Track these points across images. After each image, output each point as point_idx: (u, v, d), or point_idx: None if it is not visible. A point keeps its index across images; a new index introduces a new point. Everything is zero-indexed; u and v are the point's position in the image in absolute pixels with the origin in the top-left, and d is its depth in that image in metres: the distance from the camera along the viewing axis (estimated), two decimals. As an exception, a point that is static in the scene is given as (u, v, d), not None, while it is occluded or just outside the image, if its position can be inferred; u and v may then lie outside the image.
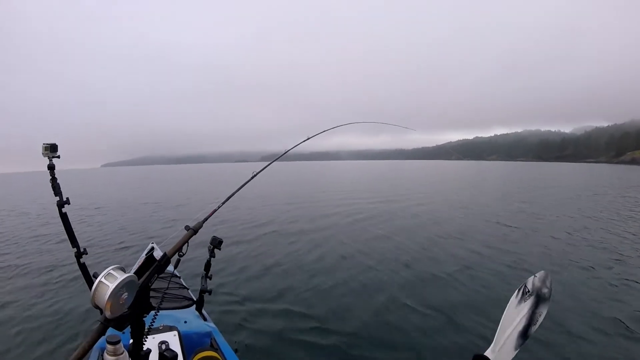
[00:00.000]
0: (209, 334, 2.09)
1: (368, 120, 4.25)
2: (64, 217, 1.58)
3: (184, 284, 2.95)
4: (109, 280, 0.98)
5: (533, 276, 1.52)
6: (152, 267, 1.23)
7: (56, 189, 1.53)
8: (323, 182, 26.11)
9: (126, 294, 1.03)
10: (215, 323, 2.38)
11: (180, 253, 1.48)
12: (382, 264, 5.33)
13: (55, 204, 1.55)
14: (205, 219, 1.70)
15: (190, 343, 1.93)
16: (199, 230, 1.61)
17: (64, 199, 1.55)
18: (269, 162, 2.53)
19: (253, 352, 2.98)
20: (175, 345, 1.78)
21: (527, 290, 1.48)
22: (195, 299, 2.52)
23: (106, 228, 9.01)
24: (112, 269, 1.02)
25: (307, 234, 7.65)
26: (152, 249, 1.28)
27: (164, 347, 1.71)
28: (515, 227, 8.02)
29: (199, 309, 2.43)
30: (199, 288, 2.42)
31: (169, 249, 1.42)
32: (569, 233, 7.28)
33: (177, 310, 2.32)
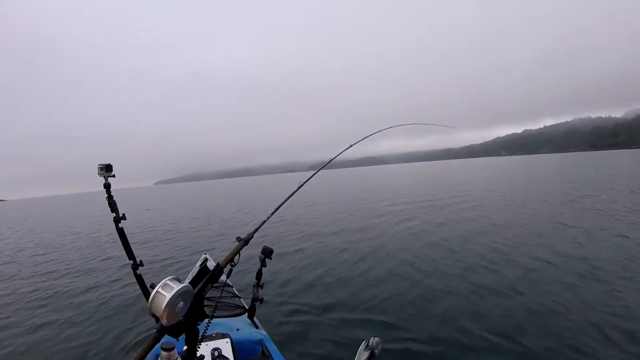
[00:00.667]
0: (260, 342, 2.12)
1: (408, 122, 4.10)
2: (120, 232, 1.65)
3: (237, 292, 3.05)
4: (166, 290, 1.03)
5: (372, 338, 1.51)
6: (205, 277, 1.28)
7: (112, 205, 1.60)
8: (365, 189, 25.70)
9: (182, 303, 1.07)
10: (266, 331, 2.41)
11: (232, 263, 1.52)
12: (434, 276, 5.04)
13: (113, 220, 1.63)
14: (256, 230, 1.74)
15: (242, 350, 1.97)
16: (250, 241, 1.66)
17: (120, 215, 1.63)
18: (314, 172, 2.54)
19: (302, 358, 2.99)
20: (228, 352, 1.83)
21: (368, 346, 1.50)
22: (247, 308, 2.59)
23: (161, 242, 9.71)
24: (168, 279, 1.07)
25: (355, 243, 7.53)
26: (206, 259, 1.34)
27: (216, 353, 1.76)
28: (580, 227, 7.19)
29: (250, 317, 2.49)
30: (250, 297, 2.48)
31: (221, 259, 1.47)
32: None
33: (229, 318, 2.40)
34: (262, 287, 2.50)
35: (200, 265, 1.32)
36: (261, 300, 2.47)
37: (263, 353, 2.05)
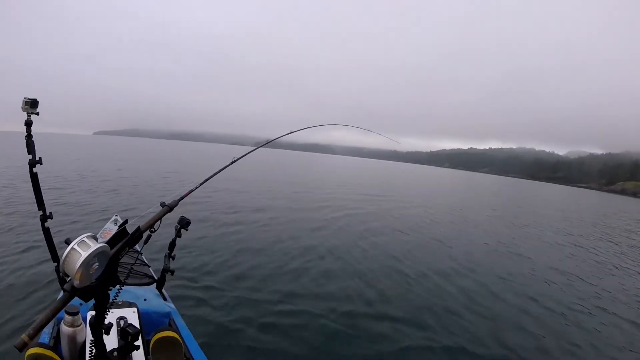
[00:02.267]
0: (168, 314, 2.06)
1: (355, 125, 4.36)
2: (34, 177, 1.52)
3: (146, 261, 2.86)
4: (82, 248, 0.95)
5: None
6: (124, 239, 1.20)
7: (30, 146, 1.47)
8: (314, 176, 25.86)
9: (97, 264, 1.01)
10: (174, 304, 2.33)
11: (152, 229, 1.45)
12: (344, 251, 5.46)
13: (28, 163, 1.48)
14: (182, 198, 1.67)
15: (148, 321, 1.89)
16: (174, 209, 1.59)
17: (37, 159, 1.49)
18: (251, 150, 2.52)
19: (210, 335, 2.98)
20: (134, 322, 1.74)
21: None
22: (156, 278, 2.46)
23: (81, 197, 8.44)
24: (85, 236, 0.99)
25: (280, 224, 7.62)
26: (126, 221, 1.25)
27: (122, 323, 1.67)
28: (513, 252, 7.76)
29: (159, 288, 2.38)
30: (161, 267, 2.37)
31: (142, 223, 1.39)
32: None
33: (137, 287, 2.25)
34: (173, 259, 2.41)
35: (118, 227, 1.23)
36: (172, 272, 2.38)
37: (170, 326, 1.99)
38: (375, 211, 11.12)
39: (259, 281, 4.28)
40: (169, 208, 1.54)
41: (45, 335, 1.61)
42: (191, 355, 1.75)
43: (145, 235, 1.41)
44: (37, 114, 1.43)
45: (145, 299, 2.05)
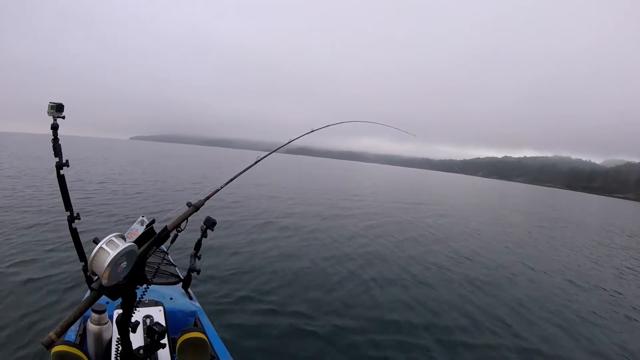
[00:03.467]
0: (193, 313, 2.07)
1: (369, 120, 4.24)
2: (61, 179, 1.55)
3: (172, 261, 2.91)
4: (110, 247, 0.95)
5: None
6: (151, 239, 1.20)
7: (57, 149, 1.50)
8: (348, 183, 25.54)
9: (125, 263, 1.00)
10: (200, 303, 2.35)
11: (179, 229, 1.45)
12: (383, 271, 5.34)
13: (55, 165, 1.52)
14: (207, 198, 1.67)
15: (174, 320, 1.90)
16: (200, 208, 1.59)
17: (64, 161, 1.52)
18: (271, 151, 2.50)
19: (235, 335, 2.98)
20: (160, 320, 1.75)
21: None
22: (182, 277, 2.49)
23: (109, 198, 8.75)
24: (113, 236, 0.99)
25: (306, 231, 7.46)
26: (149, 222, 1.25)
27: (149, 321, 1.68)
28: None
29: (185, 287, 2.40)
30: (187, 267, 2.39)
31: (169, 223, 1.39)
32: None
33: (163, 286, 2.29)
34: (199, 258, 2.42)
35: (146, 227, 1.23)
36: (198, 272, 2.40)
37: (195, 325, 2.00)
38: (412, 220, 10.67)
39: (286, 285, 4.25)
40: (195, 208, 1.54)
41: (71, 333, 1.64)
42: (216, 354, 1.75)
43: (172, 234, 1.41)
44: (63, 117, 1.46)
45: (171, 298, 2.08)
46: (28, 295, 3.30)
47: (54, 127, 1.47)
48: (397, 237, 7.82)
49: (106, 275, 0.94)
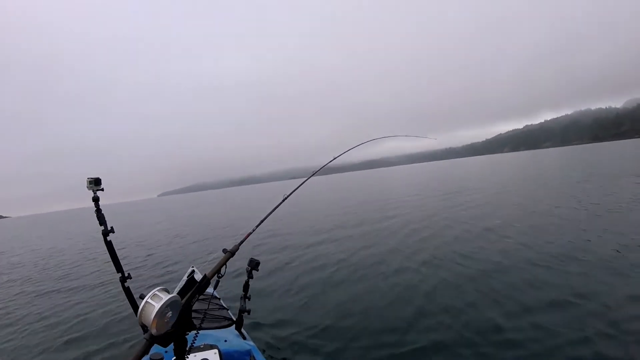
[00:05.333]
0: (248, 352, 2.16)
1: (398, 135, 4.25)
2: (109, 245, 1.69)
3: (224, 304, 3.07)
4: (155, 301, 1.09)
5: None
6: (193, 288, 1.34)
7: (101, 219, 1.64)
8: (368, 197, 25.28)
9: (170, 312, 1.13)
10: (254, 342, 2.44)
11: (219, 274, 1.58)
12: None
13: (101, 233, 1.66)
14: (241, 242, 1.81)
15: None
16: (236, 253, 1.72)
17: (109, 228, 1.67)
18: (300, 184, 2.61)
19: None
20: None
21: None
22: (234, 319, 2.62)
23: (149, 255, 9.55)
24: (157, 290, 1.14)
25: (346, 256, 7.16)
26: (193, 271, 1.40)
27: None
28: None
29: (238, 328, 2.52)
30: (238, 309, 2.52)
31: (208, 271, 1.53)
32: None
33: (217, 330, 2.42)
34: (249, 299, 2.54)
35: (187, 277, 1.38)
36: (248, 312, 2.51)
37: None
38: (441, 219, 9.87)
39: (337, 317, 4.03)
40: (231, 254, 1.68)
41: None
42: None
43: (212, 281, 1.54)
44: (102, 189, 1.58)
45: (225, 340, 2.19)
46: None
47: (95, 200, 1.58)
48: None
49: (154, 325, 1.07)
